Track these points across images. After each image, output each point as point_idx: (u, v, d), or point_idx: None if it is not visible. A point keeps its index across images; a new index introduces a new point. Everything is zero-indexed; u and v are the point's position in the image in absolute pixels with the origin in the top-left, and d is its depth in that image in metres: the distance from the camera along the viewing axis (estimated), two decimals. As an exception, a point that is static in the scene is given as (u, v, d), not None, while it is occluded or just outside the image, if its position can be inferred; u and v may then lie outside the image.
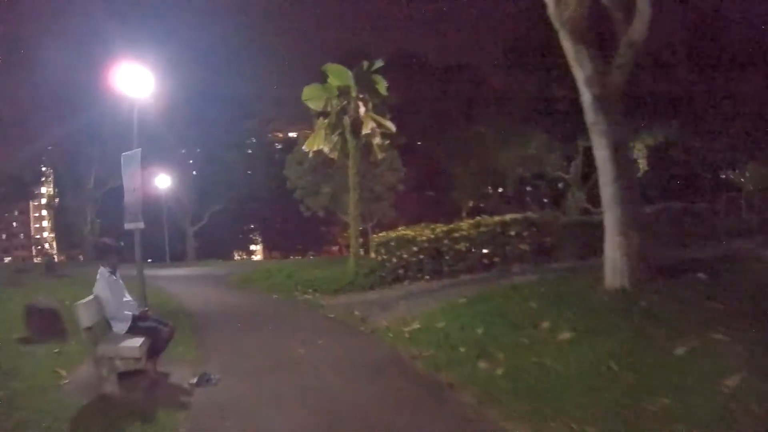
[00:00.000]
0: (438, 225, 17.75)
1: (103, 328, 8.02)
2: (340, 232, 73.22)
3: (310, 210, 43.39)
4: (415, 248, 16.85)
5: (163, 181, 43.98)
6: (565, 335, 8.02)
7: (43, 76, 41.05)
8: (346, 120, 21.11)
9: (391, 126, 20.87)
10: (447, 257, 16.81)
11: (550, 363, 7.22)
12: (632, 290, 9.67)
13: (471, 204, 56.83)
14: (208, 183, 51.80)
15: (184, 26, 45.76)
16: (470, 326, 9.77)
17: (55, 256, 62.67)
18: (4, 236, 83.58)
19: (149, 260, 51.29)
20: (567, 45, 10.71)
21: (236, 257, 71.46)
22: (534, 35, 33.54)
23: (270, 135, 63.12)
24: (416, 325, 10.82)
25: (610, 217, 10.38)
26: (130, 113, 13.45)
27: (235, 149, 51.09)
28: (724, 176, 43.84)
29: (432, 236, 16.79)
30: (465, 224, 17.30)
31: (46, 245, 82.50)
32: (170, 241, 46.49)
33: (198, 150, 50.64)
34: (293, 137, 58.68)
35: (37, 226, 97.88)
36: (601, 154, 10.54)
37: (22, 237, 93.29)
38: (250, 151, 54.93)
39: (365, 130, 20.37)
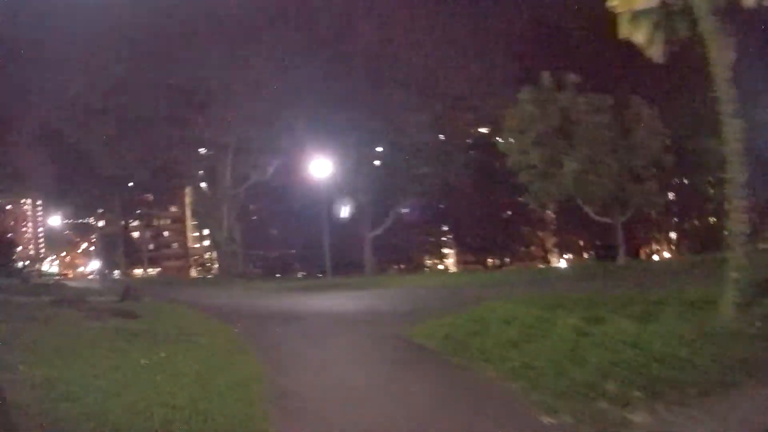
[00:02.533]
0: None
1: None
2: (536, 232, 61.00)
3: (538, 201, 31.63)
4: None
5: (321, 168, 32.25)
6: None
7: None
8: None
9: None
10: None
11: None
12: None
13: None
14: (393, 177, 40.30)
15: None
16: None
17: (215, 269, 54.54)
18: (151, 246, 77.97)
19: (301, 274, 42.34)
20: None
21: (427, 266, 60.19)
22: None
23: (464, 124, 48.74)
24: None
25: None
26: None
27: (423, 135, 38.87)
28: None
29: None
30: None
31: (206, 255, 74.96)
32: (342, 249, 36.05)
33: (375, 136, 39.00)
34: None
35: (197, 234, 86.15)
36: None
37: (176, 246, 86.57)
38: (442, 137, 41.79)
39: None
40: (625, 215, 31.09)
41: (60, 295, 19.90)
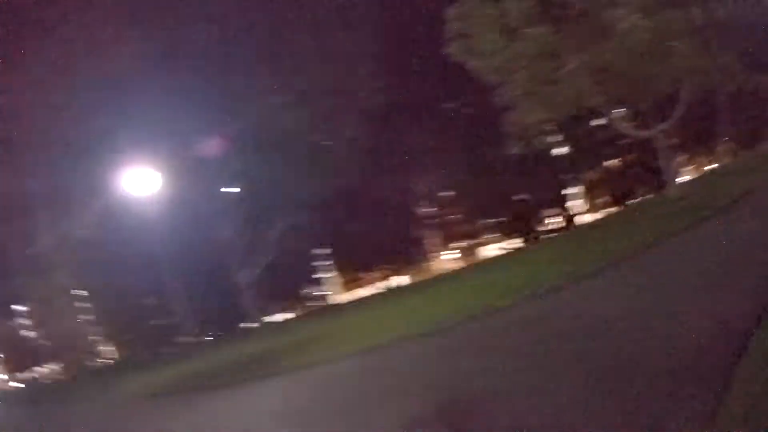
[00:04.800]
0: None
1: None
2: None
3: (532, 128, 21.01)
4: None
5: (144, 183, 21.64)
6: None
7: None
8: None
9: None
10: None
11: None
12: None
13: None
14: (256, 193, 30.16)
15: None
16: None
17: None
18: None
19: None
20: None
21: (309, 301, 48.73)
22: None
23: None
24: None
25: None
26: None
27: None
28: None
29: None
30: None
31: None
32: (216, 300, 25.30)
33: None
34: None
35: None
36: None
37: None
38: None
39: None
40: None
41: None
